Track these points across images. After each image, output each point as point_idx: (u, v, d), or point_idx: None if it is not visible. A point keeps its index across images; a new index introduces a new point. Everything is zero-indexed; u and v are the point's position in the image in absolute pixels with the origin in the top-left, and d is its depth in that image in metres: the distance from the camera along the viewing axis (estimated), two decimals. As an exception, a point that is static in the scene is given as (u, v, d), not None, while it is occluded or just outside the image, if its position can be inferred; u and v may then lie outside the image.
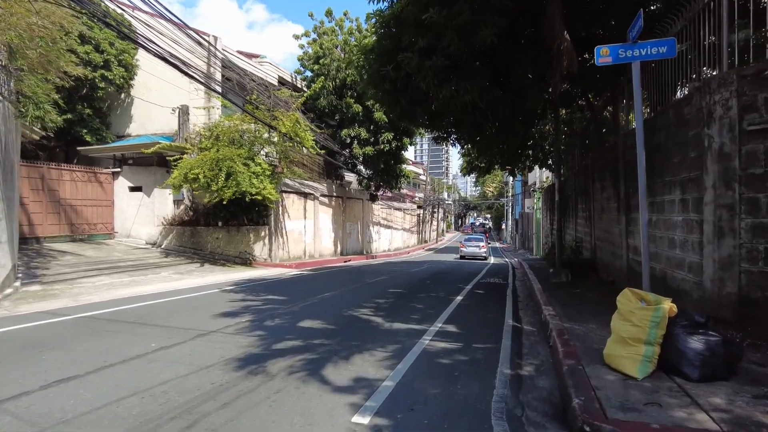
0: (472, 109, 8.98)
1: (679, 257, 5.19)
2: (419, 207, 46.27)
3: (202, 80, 13.43)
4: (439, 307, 7.36)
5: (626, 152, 7.50)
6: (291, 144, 14.87)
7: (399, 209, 36.69)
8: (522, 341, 5.28)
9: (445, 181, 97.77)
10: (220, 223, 15.30)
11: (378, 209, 29.30)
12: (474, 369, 4.13)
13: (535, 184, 29.07)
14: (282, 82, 20.76)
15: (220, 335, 5.24)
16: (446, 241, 51.83)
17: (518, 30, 8.12)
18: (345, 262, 19.52)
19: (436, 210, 57.37)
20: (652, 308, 3.40)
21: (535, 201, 27.76)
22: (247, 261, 14.84)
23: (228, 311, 6.68)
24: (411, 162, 63.08)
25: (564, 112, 14.27)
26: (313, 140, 15.21)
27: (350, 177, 24.19)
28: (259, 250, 15.23)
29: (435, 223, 56.50)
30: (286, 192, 16.44)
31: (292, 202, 16.96)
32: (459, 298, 8.42)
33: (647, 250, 4.00)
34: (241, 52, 20.15)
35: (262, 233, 15.20)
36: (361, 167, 21.62)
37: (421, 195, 49.44)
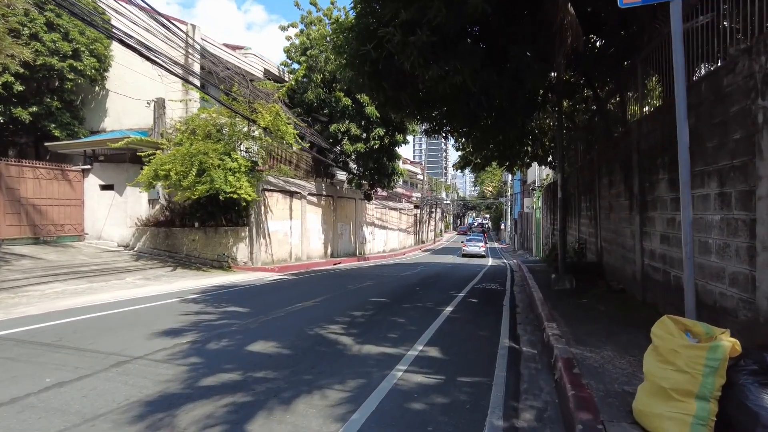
0: (464, 95, 7.96)
1: (716, 266, 4.15)
2: (416, 207, 45.20)
3: (173, 70, 12.39)
4: (423, 321, 6.31)
5: (641, 141, 6.47)
6: (271, 140, 13.81)
7: (395, 209, 35.63)
8: (520, 370, 4.24)
9: (443, 180, 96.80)
10: (196, 224, 14.26)
11: (372, 209, 28.25)
12: (455, 420, 3.08)
13: (534, 182, 28.02)
14: (268, 75, 19.73)
15: (143, 363, 4.19)
16: (444, 242, 50.77)
17: (515, 4, 7.09)
18: (334, 264, 18.47)
19: (433, 210, 56.31)
20: (705, 347, 2.36)
21: (535, 200, 26.73)
22: (225, 265, 13.79)
23: (171, 328, 5.63)
24: (409, 161, 62.28)
25: (566, 103, 13.29)
26: (297, 134, 14.16)
27: (343, 175, 23.16)
28: (239, 252, 14.18)
29: (433, 223, 55.44)
30: (269, 190, 15.39)
31: (276, 201, 15.91)
32: (449, 309, 7.38)
33: (691, 259, 2.96)
34: (227, 45, 19.14)
35: (242, 234, 14.16)
36: (353, 165, 20.58)
37: (419, 195, 48.39)
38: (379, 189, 25.87)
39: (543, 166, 22.26)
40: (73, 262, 11.85)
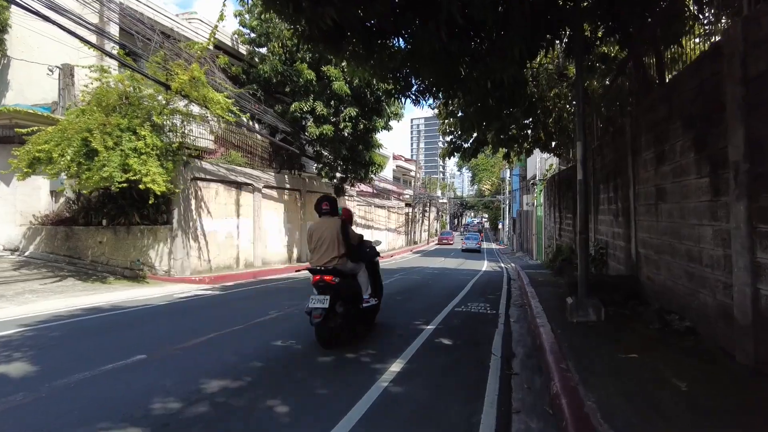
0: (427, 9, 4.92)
1: None
2: (408, 205, 42.09)
3: (75, 32, 9.31)
4: (330, 412, 3.22)
5: (752, 62, 3.38)
6: (188, 111, 10.66)
7: (382, 207, 32.53)
8: None
9: (440, 177, 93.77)
10: (104, 222, 11.14)
11: (354, 206, 25.16)
12: None
13: (535, 176, 24.90)
14: (220, 46, 16.59)
15: None
16: (438, 243, 47.69)
17: None
18: (296, 271, 15.28)
19: (427, 209, 53.15)
20: None
21: (536, 195, 23.65)
22: (138, 274, 10.68)
23: None
24: (403, 158, 59.02)
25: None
26: (234, 107, 11.04)
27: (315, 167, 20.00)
28: (159, 258, 11.07)
29: (427, 222, 52.31)
30: (203, 180, 12.28)
31: (216, 194, 12.80)
32: (395, 368, 4.26)
33: None
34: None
35: (162, 235, 11.04)
36: (326, 154, 17.40)
37: (411, 192, 45.27)
38: (359, 183, 22.76)
39: (545, 153, 19.21)
40: None
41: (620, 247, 7.74)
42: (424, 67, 6.56)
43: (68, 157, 8.63)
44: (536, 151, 20.43)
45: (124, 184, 9.17)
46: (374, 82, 13.07)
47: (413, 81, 7.68)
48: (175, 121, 10.70)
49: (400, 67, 6.99)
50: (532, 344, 5.23)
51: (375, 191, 32.05)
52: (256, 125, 17.13)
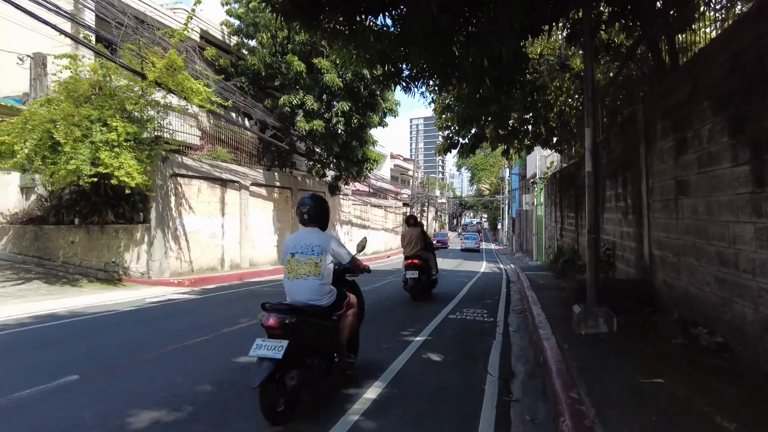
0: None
1: None
2: (405, 205, 41.39)
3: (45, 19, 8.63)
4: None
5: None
6: (164, 103, 9.95)
7: (378, 206, 31.80)
8: None
9: (439, 177, 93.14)
10: (76, 221, 10.44)
11: (349, 206, 24.51)
12: None
13: (535, 175, 24.22)
14: (207, 38, 15.91)
15: None
16: (435, 243, 46.96)
17: None
18: (285, 272, 14.64)
19: (426, 208, 52.44)
20: None
21: (536, 194, 22.97)
22: (113, 276, 9.98)
23: None
24: (402, 158, 58.28)
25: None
26: (215, 97, 10.33)
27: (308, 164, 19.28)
28: (135, 259, 10.37)
29: (425, 222, 51.62)
30: (185, 176, 11.57)
31: (198, 191, 12.09)
32: (374, 391, 3.56)
33: None
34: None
35: (138, 235, 10.34)
36: (318, 150, 16.68)
37: (409, 192, 44.53)
38: (354, 182, 22.08)
39: (546, 150, 18.52)
40: None
41: (630, 248, 7.05)
42: (414, 50, 5.88)
43: (26, 151, 7.93)
44: (536, 149, 19.78)
45: (94, 179, 8.48)
46: (364, 71, 12.39)
47: (403, 66, 7.02)
48: (152, 113, 9.99)
49: (388, 50, 6.31)
50: (534, 360, 4.54)
51: (372, 190, 31.35)
52: (247, 122, 16.44)
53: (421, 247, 8.33)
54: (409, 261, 8.04)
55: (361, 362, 4.25)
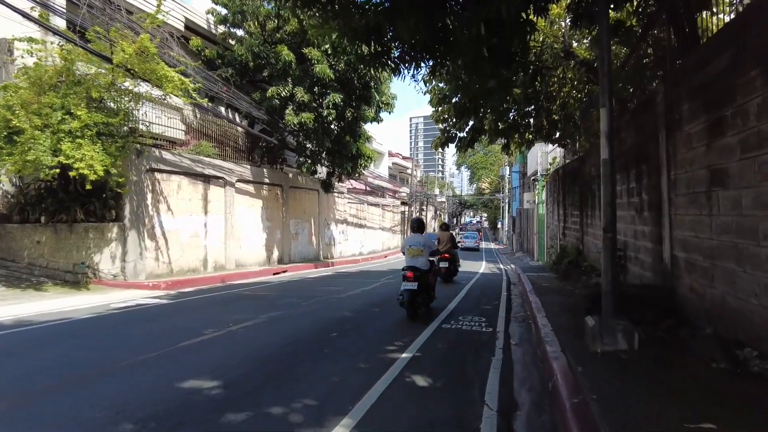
0: None
1: None
2: (404, 203, 40.58)
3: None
4: None
5: None
6: (132, 92, 9.15)
7: (376, 205, 31.01)
8: None
9: (438, 176, 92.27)
10: (43, 219, 9.68)
11: (344, 204, 23.72)
12: None
13: (536, 172, 23.42)
14: (192, 27, 15.14)
15: None
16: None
17: None
18: (274, 274, 13.90)
19: (424, 207, 51.60)
20: None
21: (537, 192, 22.20)
22: (81, 279, 9.22)
23: None
24: (401, 156, 57.44)
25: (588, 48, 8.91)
26: (193, 85, 9.54)
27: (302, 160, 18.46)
28: (107, 260, 9.61)
29: (425, 222, 50.76)
30: (162, 171, 10.80)
31: (178, 187, 11.31)
32: None
33: None
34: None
35: (111, 234, 9.58)
36: (310, 145, 15.90)
37: (407, 190, 43.74)
38: (349, 179, 21.31)
39: (548, 146, 17.75)
40: None
41: (645, 249, 6.29)
42: (402, 23, 5.10)
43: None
44: (538, 146, 19.01)
45: (56, 170, 7.72)
46: (352, 56, 11.62)
47: (393, 44, 6.26)
48: (131, 104, 9.24)
49: (374, 26, 5.54)
50: (541, 385, 3.78)
51: (369, 188, 30.59)
52: (238, 117, 15.67)
53: (450, 246, 11.42)
54: (442, 255, 10.73)
55: (331, 387, 3.50)
